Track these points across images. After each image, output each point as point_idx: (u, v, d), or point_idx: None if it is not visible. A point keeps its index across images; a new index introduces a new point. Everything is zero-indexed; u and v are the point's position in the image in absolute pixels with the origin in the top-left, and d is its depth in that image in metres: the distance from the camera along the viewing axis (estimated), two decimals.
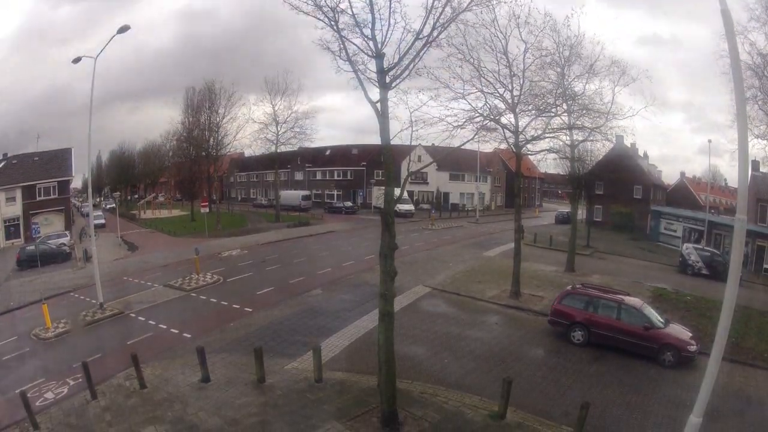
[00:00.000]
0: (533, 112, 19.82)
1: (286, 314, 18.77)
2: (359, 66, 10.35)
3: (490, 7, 14.71)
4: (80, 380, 12.77)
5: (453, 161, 59.69)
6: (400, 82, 10.51)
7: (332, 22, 10.04)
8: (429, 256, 30.25)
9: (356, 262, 27.73)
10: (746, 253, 30.19)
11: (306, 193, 67.11)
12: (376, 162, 60.43)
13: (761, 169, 36.88)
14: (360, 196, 64.31)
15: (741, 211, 7.00)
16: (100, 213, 56.65)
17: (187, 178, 55.79)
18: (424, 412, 10.94)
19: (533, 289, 21.85)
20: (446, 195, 65.55)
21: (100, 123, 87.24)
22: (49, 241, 35.59)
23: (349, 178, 69.78)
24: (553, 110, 20.28)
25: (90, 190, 24.83)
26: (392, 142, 10.73)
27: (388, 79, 10.25)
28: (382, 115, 10.22)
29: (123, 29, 18.64)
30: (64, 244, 36.67)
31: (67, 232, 42.26)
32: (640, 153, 54.18)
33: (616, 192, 48.90)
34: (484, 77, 18.73)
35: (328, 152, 74.61)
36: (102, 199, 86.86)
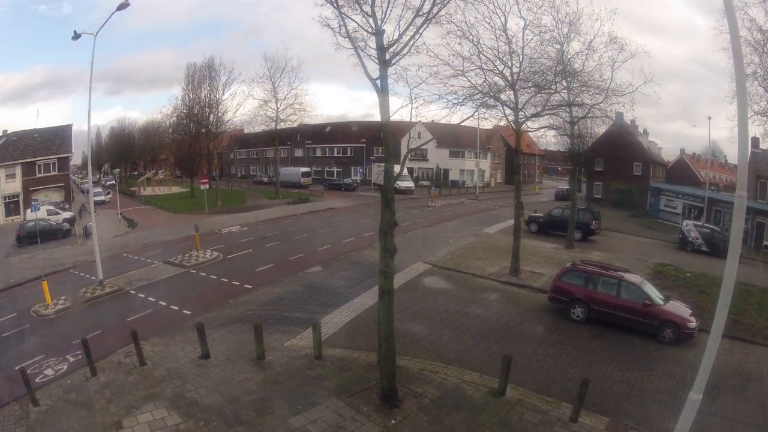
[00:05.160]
0: (533, 89, 19.58)
1: (285, 291, 18.78)
2: (359, 43, 10.21)
3: None
4: (80, 357, 12.79)
5: (453, 138, 59.36)
6: (399, 59, 10.42)
7: None
8: (429, 232, 30.19)
9: (356, 239, 27.68)
10: (746, 230, 30.17)
11: (306, 169, 67.01)
12: (376, 139, 60.14)
13: (761, 146, 36.62)
14: (360, 173, 64.09)
15: (741, 188, 6.92)
16: (99, 190, 56.47)
17: (186, 155, 55.58)
18: (424, 388, 10.97)
19: (533, 266, 21.84)
20: (446, 172, 65.36)
21: None
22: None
23: (349, 154, 69.52)
24: (553, 87, 20.01)
25: (90, 166, 24.50)
26: (392, 119, 10.58)
27: (387, 56, 10.11)
28: (382, 92, 10.09)
29: (122, 6, 18.22)
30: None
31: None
32: (640, 130, 53.73)
33: (616, 169, 48.64)
34: (483, 54, 18.61)
35: (328, 129, 74.18)
36: (102, 176, 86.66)
